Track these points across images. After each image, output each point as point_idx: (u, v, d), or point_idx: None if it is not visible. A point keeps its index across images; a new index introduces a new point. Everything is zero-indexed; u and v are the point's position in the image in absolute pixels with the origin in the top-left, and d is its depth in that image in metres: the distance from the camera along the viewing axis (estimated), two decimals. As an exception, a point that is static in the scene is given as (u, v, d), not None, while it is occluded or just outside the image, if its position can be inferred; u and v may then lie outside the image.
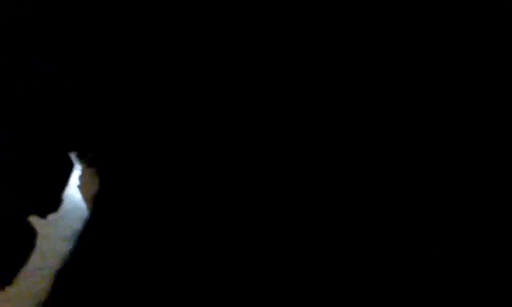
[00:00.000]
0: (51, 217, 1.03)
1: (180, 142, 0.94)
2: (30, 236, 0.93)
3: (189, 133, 0.93)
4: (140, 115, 0.96)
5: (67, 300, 0.96)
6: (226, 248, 0.90)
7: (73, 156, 1.12)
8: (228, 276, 0.87)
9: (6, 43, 0.84)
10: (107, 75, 0.91)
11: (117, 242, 0.99)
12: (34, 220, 1.00)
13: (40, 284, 0.97)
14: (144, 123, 0.97)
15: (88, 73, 0.90)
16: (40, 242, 1.02)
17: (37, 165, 0.91)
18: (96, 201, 1.09)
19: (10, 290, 0.96)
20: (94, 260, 0.98)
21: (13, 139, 0.88)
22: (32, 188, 0.90)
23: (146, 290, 0.92)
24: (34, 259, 1.00)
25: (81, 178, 1.12)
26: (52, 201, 0.96)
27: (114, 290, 0.93)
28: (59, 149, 0.95)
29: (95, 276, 0.97)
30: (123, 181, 1.07)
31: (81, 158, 1.17)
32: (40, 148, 0.92)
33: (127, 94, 0.94)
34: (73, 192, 1.08)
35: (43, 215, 0.96)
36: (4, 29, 0.83)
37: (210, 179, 0.93)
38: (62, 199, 1.00)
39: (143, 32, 0.88)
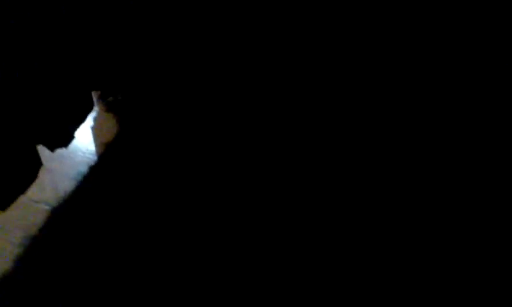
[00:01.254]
0: (58, 152, 0.99)
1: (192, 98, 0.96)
2: (34, 165, 0.88)
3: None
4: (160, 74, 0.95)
5: (57, 240, 0.92)
6: (226, 248, 0.91)
7: (94, 97, 1.07)
8: (228, 276, 0.88)
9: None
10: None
11: (120, 196, 0.96)
12: (41, 151, 0.96)
13: (33, 216, 0.93)
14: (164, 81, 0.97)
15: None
16: (42, 174, 0.98)
17: (56, 94, 0.86)
18: (108, 147, 1.05)
19: (4, 216, 0.92)
20: (93, 208, 0.95)
21: (39, 65, 0.83)
22: (46, 117, 0.85)
23: (137, 250, 0.90)
24: (33, 191, 0.96)
25: (96, 120, 1.07)
26: (63, 135, 0.91)
27: (109, 242, 0.90)
28: (80, 84, 0.90)
29: (90, 224, 0.93)
30: (138, 138, 1.04)
31: (102, 100, 1.12)
32: (62, 78, 0.87)
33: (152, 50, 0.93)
34: (85, 133, 1.03)
35: (51, 147, 0.91)
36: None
37: (212, 178, 0.95)
38: (73, 136, 0.95)
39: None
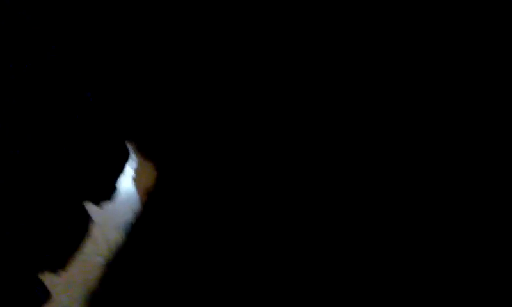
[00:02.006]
0: (105, 205, 1.04)
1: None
2: (84, 222, 0.93)
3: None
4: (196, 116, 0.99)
5: (117, 291, 0.96)
6: (226, 248, 0.91)
7: (130, 147, 1.13)
8: (228, 276, 0.88)
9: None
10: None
11: (166, 237, 0.99)
12: (89, 207, 1.01)
13: (91, 271, 0.98)
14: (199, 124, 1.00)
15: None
16: (94, 229, 1.03)
17: (95, 152, 0.92)
18: (150, 194, 1.09)
19: (63, 275, 0.97)
20: (144, 253, 0.98)
21: (74, 126, 0.90)
22: (88, 175, 0.91)
23: (194, 287, 0.92)
24: (87, 246, 1.01)
25: (136, 170, 1.13)
26: (107, 189, 0.97)
27: (163, 284, 0.93)
28: (116, 138, 0.95)
29: (145, 269, 0.97)
30: (177, 178, 1.08)
31: (139, 150, 1.18)
32: (99, 136, 0.93)
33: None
34: (128, 183, 1.09)
35: (97, 202, 0.96)
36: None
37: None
38: (116, 188, 1.00)
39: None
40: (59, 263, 0.93)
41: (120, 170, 0.97)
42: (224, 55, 0.93)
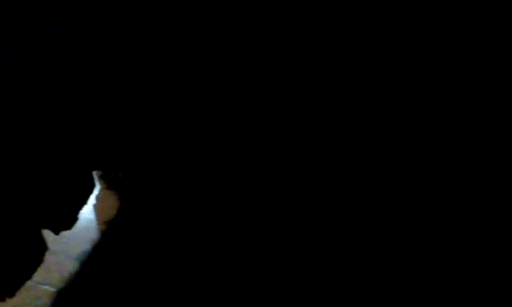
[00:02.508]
0: (63, 233, 1.03)
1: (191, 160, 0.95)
2: (40, 250, 0.92)
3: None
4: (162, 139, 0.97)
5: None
6: (226, 248, 0.91)
7: (95, 176, 1.13)
8: (228, 276, 0.88)
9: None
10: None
11: (121, 269, 0.98)
12: (45, 235, 1.00)
13: (40, 299, 0.96)
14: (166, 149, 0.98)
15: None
16: (47, 257, 1.01)
17: (59, 180, 0.91)
18: (110, 224, 1.08)
19: (11, 302, 0.94)
20: (98, 285, 0.97)
21: (37, 152, 0.88)
22: (50, 203, 0.90)
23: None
24: (39, 274, 0.99)
25: (98, 198, 1.12)
26: (67, 218, 0.95)
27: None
28: (82, 167, 0.95)
29: (96, 300, 0.96)
30: (138, 209, 1.07)
31: (103, 178, 1.18)
32: (63, 163, 0.92)
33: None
34: (89, 211, 1.08)
35: (56, 231, 0.95)
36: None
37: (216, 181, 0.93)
38: (77, 218, 0.99)
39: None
40: (7, 289, 0.90)
41: (83, 201, 0.96)
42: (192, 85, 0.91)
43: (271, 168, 0.91)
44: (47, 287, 0.98)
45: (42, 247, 0.91)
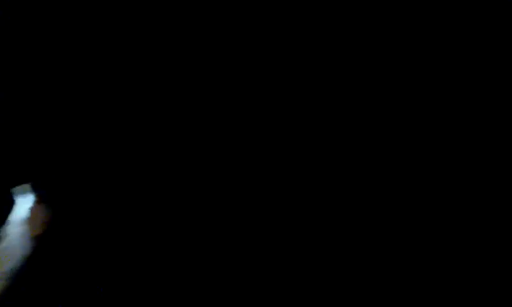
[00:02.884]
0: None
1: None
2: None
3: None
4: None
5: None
6: (226, 248, 0.87)
7: (26, 189, 1.07)
8: (227, 276, 0.84)
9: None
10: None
11: (51, 288, 0.93)
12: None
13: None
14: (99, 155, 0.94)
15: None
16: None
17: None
18: (41, 239, 1.03)
19: None
20: (23, 303, 0.91)
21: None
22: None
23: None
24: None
25: (31, 212, 1.07)
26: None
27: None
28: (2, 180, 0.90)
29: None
30: (73, 224, 1.02)
31: (35, 191, 1.12)
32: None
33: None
34: (19, 227, 1.02)
35: (-24, 248, 0.89)
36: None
37: (210, 181, 0.89)
38: (1, 235, 0.94)
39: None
40: None
41: (1, 219, 0.90)
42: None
43: (268, 168, 0.89)
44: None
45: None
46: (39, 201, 1.05)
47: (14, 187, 0.96)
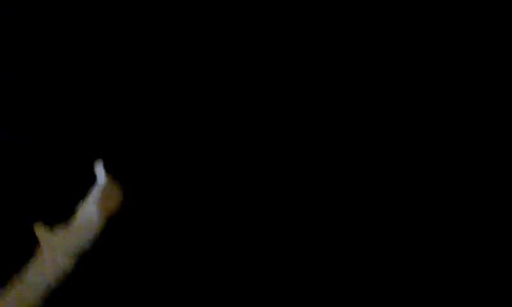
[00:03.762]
0: (60, 228, 0.97)
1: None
2: (30, 243, 0.86)
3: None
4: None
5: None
6: (225, 248, 0.89)
7: (99, 169, 1.06)
8: (227, 276, 0.87)
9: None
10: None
11: (118, 268, 0.93)
12: (40, 228, 0.94)
13: (32, 292, 0.90)
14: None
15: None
16: (42, 251, 0.95)
17: (54, 170, 0.85)
18: (112, 220, 1.02)
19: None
20: (94, 283, 0.91)
21: (34, 141, 0.84)
22: (43, 193, 0.84)
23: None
24: (32, 271, 0.93)
25: (103, 193, 1.05)
26: (62, 211, 0.90)
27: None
28: (81, 159, 0.89)
29: (88, 296, 0.90)
30: (142, 205, 1.02)
31: (108, 171, 1.11)
32: (61, 154, 0.87)
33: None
34: (91, 206, 1.01)
35: (50, 223, 0.89)
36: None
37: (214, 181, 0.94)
38: (74, 211, 0.93)
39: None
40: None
41: (80, 193, 0.90)
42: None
43: (270, 168, 0.91)
44: (40, 285, 0.92)
45: (32, 240, 0.85)
46: (113, 181, 1.04)
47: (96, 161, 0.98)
